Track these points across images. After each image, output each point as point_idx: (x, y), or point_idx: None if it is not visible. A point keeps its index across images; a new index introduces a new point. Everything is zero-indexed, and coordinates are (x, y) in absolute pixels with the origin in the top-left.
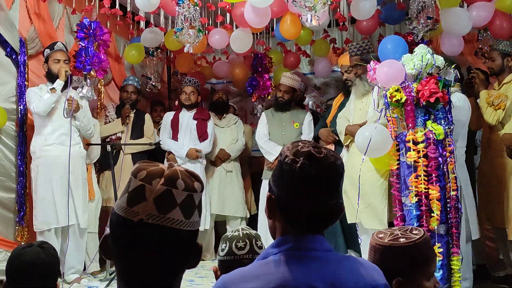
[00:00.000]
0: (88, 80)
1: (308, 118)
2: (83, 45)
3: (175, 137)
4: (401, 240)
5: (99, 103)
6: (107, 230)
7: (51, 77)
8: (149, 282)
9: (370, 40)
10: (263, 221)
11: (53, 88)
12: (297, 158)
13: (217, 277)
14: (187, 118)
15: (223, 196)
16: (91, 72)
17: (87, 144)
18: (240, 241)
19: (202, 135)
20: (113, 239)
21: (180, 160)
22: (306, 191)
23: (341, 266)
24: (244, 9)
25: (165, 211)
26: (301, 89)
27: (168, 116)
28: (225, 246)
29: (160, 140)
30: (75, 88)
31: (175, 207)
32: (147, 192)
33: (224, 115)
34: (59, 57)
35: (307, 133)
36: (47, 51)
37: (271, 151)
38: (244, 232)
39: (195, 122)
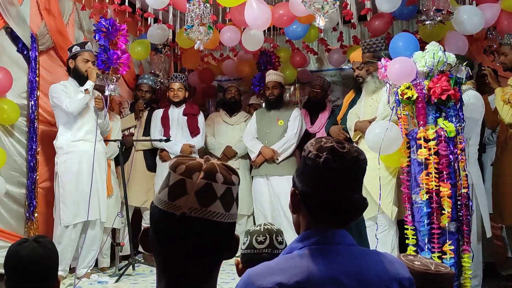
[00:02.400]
0: (114, 78)
1: (295, 114)
2: (102, 44)
3: (166, 134)
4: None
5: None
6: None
7: (77, 74)
8: (190, 275)
9: (384, 37)
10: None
11: (87, 89)
12: (321, 153)
13: (238, 270)
14: (176, 114)
15: None
16: (112, 68)
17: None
18: (261, 235)
19: (194, 131)
20: (155, 232)
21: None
22: (330, 185)
23: (365, 260)
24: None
25: (207, 204)
26: (324, 87)
27: (158, 114)
28: (247, 240)
29: (171, 137)
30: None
31: (216, 200)
32: (188, 186)
33: (236, 113)
34: (87, 57)
35: (291, 129)
36: (77, 48)
37: (252, 149)
38: (266, 227)
39: (185, 118)
